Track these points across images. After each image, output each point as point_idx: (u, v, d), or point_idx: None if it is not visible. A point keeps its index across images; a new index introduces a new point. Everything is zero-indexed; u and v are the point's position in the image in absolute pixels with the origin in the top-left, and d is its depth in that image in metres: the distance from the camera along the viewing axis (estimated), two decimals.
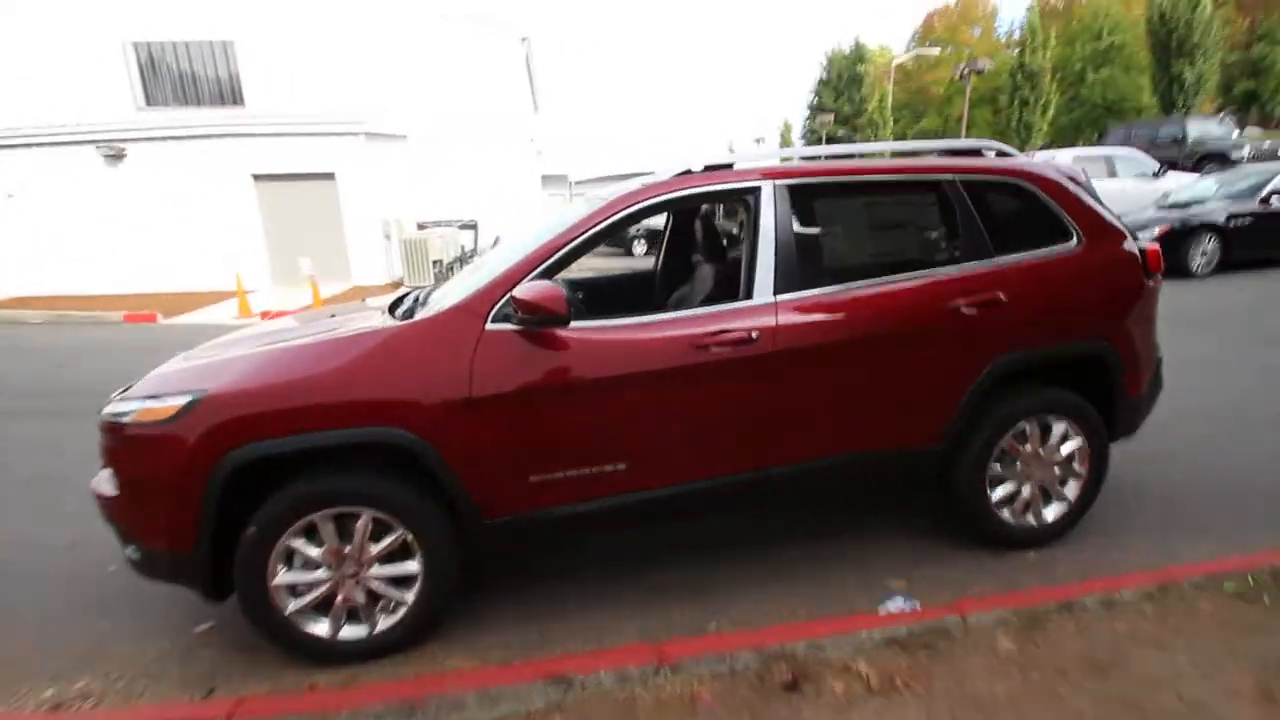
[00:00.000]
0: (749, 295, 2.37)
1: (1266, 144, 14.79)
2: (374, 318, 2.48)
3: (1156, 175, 12.58)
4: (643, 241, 18.54)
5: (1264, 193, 8.96)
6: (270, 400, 2.03)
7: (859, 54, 45.68)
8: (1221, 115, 20.65)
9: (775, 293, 2.36)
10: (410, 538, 2.16)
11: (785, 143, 47.85)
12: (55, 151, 13.34)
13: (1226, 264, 8.90)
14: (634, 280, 3.94)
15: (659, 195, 2.38)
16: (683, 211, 3.57)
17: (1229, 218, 8.87)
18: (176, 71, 15.60)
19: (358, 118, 13.66)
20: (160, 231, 13.64)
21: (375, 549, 2.17)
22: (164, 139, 13.61)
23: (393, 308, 2.60)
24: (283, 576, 2.13)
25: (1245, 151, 14.63)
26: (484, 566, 2.77)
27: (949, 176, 2.60)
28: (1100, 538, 2.87)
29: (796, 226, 2.42)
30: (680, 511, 2.48)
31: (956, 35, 45.64)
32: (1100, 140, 21.67)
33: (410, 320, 2.24)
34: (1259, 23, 31.47)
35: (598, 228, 2.30)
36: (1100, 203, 2.80)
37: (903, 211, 2.66)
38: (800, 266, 2.39)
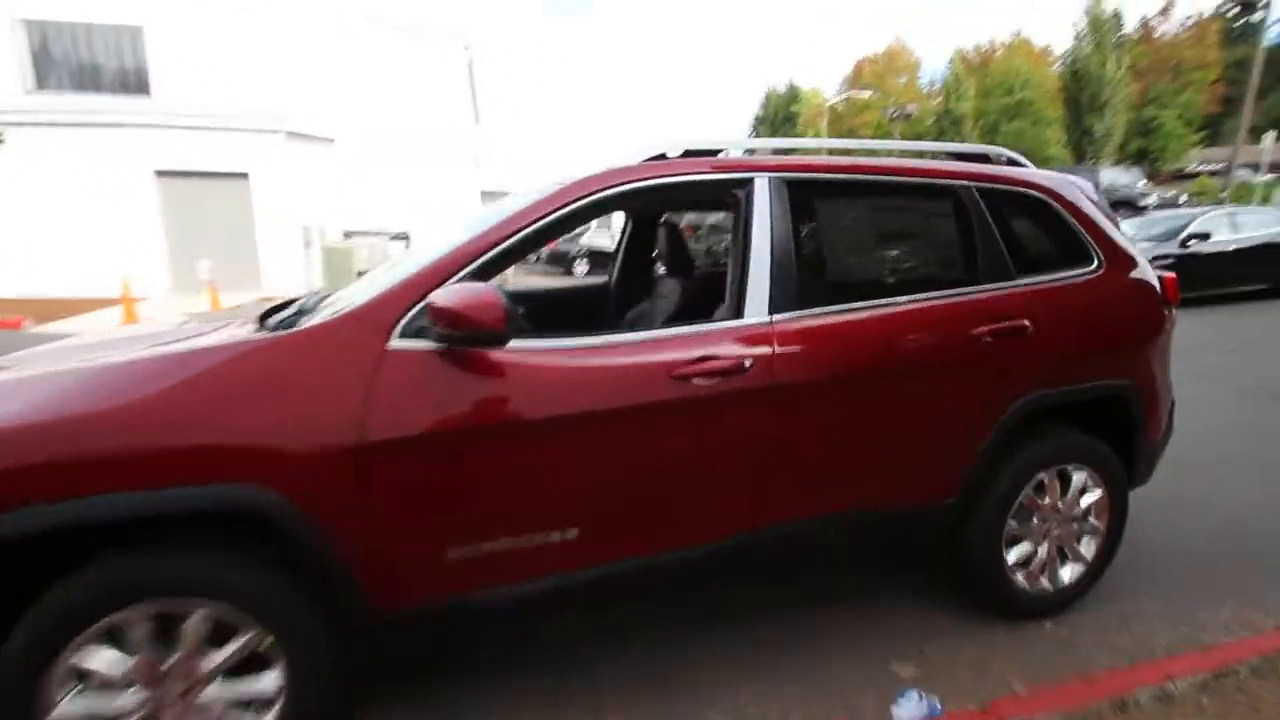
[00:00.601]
0: (738, 314, 1.88)
1: (1170, 193, 15.95)
2: (239, 328, 1.84)
3: None
4: (585, 261, 18.07)
5: (1182, 236, 9.38)
6: (58, 443, 1.37)
7: (793, 94, 47.57)
8: (1127, 166, 22.36)
9: (771, 312, 1.88)
10: (268, 641, 1.52)
11: None
12: None
13: None
14: (584, 296, 3.40)
15: (625, 183, 1.86)
16: (647, 211, 3.07)
17: (1152, 259, 9.20)
18: (75, 55, 14.13)
19: (277, 115, 12.61)
20: (43, 228, 12.06)
21: (215, 659, 1.50)
22: (53, 125, 12.11)
23: (266, 316, 1.96)
24: (70, 704, 1.44)
25: (1152, 199, 15.68)
26: (381, 665, 2.12)
27: (964, 183, 2.22)
28: (1115, 600, 2.52)
29: (795, 231, 1.96)
30: (648, 589, 1.94)
31: (884, 82, 48.15)
32: None
33: (283, 331, 1.61)
34: (1150, 87, 34.62)
35: (547, 219, 1.76)
36: (1116, 224, 2.51)
37: (915, 220, 2.27)
38: (800, 280, 1.93)
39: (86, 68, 14.26)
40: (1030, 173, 2.41)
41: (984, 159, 2.43)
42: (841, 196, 2.10)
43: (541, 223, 1.73)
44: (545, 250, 21.11)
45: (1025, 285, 2.20)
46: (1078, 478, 2.34)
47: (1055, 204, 2.36)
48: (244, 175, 12.79)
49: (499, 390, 1.60)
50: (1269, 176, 19.90)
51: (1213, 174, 28.97)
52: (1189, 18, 34.83)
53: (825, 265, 2.05)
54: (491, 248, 1.67)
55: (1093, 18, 27.88)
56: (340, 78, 15.03)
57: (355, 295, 1.74)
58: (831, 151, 2.25)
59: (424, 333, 1.56)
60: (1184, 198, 16.13)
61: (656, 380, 1.72)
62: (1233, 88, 36.73)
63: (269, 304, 2.17)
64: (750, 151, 2.05)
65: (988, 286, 2.15)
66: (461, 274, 1.63)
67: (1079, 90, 26.64)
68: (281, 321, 1.80)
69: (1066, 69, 27.91)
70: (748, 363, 1.80)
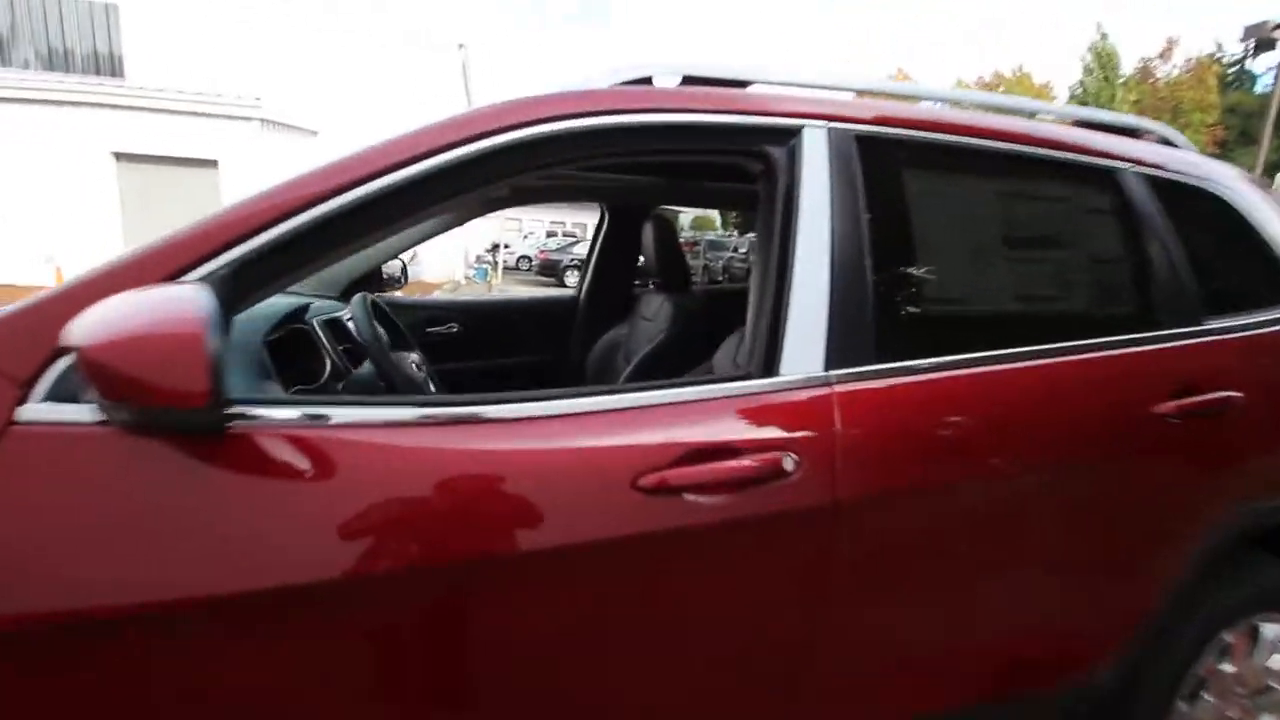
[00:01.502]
0: (768, 368, 1.03)
1: None
2: None
3: None
4: (576, 271, 17.24)
5: None
6: None
7: None
8: None
9: (829, 366, 1.04)
10: None
11: None
12: None
13: None
14: (544, 311, 2.56)
15: (572, 117, 0.97)
16: (625, 199, 2.21)
17: None
18: (45, 31, 13.40)
19: (251, 101, 11.78)
20: None
21: None
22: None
23: None
24: None
25: None
26: None
27: (1129, 167, 1.40)
28: None
29: (871, 223, 1.13)
30: None
31: None
32: None
33: None
34: None
35: (408, 172, 0.87)
36: None
37: (1058, 219, 1.43)
38: (880, 312, 1.09)
39: (56, 46, 13.60)
40: (1202, 161, 1.59)
41: (1133, 134, 1.61)
42: (950, 171, 1.25)
43: (394, 177, 0.86)
44: (537, 259, 20.05)
45: (1221, 333, 1.38)
46: (1270, 632, 1.51)
47: (1243, 210, 1.54)
48: (213, 163, 11.91)
49: (253, 517, 0.74)
50: None
51: None
52: (1189, 59, 34.67)
53: (919, 288, 1.20)
54: (271, 221, 0.81)
55: (1098, 53, 28.00)
56: (330, 75, 14.36)
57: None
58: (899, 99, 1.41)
59: (82, 392, 0.71)
60: None
61: (608, 494, 0.87)
62: (1227, 132, 36.62)
63: None
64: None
65: (1169, 333, 1.33)
66: (195, 273, 0.77)
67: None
68: None
69: (1075, 101, 27.92)
70: (790, 462, 0.95)
